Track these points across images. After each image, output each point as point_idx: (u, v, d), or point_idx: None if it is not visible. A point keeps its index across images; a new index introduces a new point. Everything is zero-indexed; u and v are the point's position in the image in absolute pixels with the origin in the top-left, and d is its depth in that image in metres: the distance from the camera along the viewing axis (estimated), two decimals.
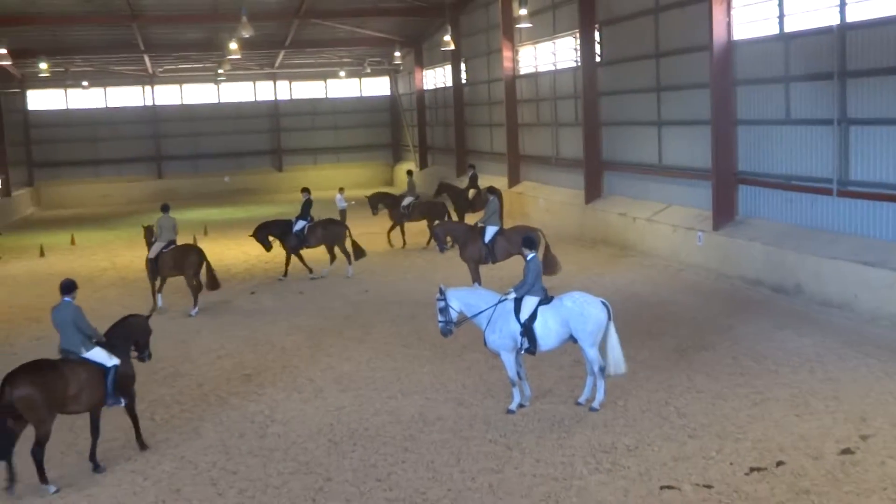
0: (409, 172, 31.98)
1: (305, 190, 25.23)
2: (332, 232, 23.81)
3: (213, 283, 20.70)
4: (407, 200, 28.67)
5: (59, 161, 49.74)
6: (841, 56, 18.05)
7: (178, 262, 20.29)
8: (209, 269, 20.65)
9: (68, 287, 12.09)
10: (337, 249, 23.89)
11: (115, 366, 11.65)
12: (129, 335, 12.28)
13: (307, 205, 24.23)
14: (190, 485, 10.85)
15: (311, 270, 23.89)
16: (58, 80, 48.11)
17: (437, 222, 24.96)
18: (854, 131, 18.05)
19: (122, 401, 11.80)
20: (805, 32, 19.11)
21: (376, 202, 29.63)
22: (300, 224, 23.78)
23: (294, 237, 23.69)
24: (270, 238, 24.06)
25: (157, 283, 20.81)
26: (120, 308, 20.95)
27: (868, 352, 14.69)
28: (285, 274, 23.94)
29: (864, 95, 17.73)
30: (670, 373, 14.13)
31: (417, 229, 28.91)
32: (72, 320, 11.61)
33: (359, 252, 24.00)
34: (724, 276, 20.90)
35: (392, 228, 28.68)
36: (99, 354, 11.64)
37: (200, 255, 20.48)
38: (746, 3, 20.89)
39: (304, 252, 24.03)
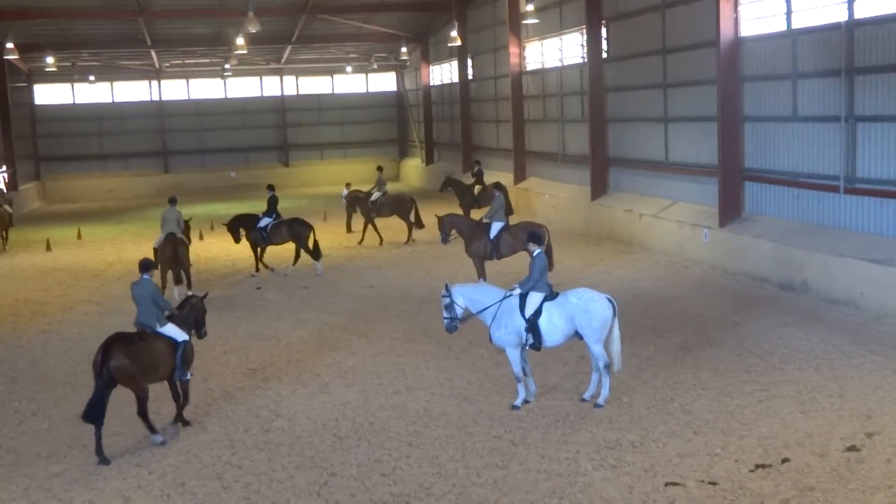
0: (379, 168, 31.83)
1: (270, 187, 25.38)
2: (295, 231, 23.76)
3: (180, 280, 21.32)
4: (375, 196, 28.77)
5: (66, 155, 49.85)
6: (849, 53, 18.03)
7: (164, 255, 20.81)
8: (185, 266, 21.28)
9: (147, 265, 12.88)
10: (297, 247, 23.93)
11: (185, 341, 12.53)
12: (192, 314, 13.05)
13: (272, 201, 24.33)
14: (195, 478, 10.87)
15: (257, 270, 24.11)
16: (64, 75, 48.34)
17: (443, 213, 24.84)
18: (861, 128, 18.04)
19: (189, 374, 12.66)
20: (813, 29, 19.10)
21: (353, 198, 29.78)
22: (265, 221, 23.91)
23: (257, 233, 23.87)
24: (242, 231, 24.37)
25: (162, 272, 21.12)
26: (127, 302, 21.04)
27: (874, 349, 14.70)
28: (257, 269, 24.16)
29: (871, 92, 17.71)
30: (675, 369, 14.13)
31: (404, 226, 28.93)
32: (150, 296, 12.43)
33: (316, 253, 23.83)
34: (730, 273, 20.90)
35: (366, 225, 28.70)
36: (172, 330, 12.51)
37: (176, 251, 20.80)
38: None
39: (272, 248, 24.33)
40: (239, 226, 24.44)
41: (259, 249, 24.14)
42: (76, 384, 14.76)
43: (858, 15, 17.76)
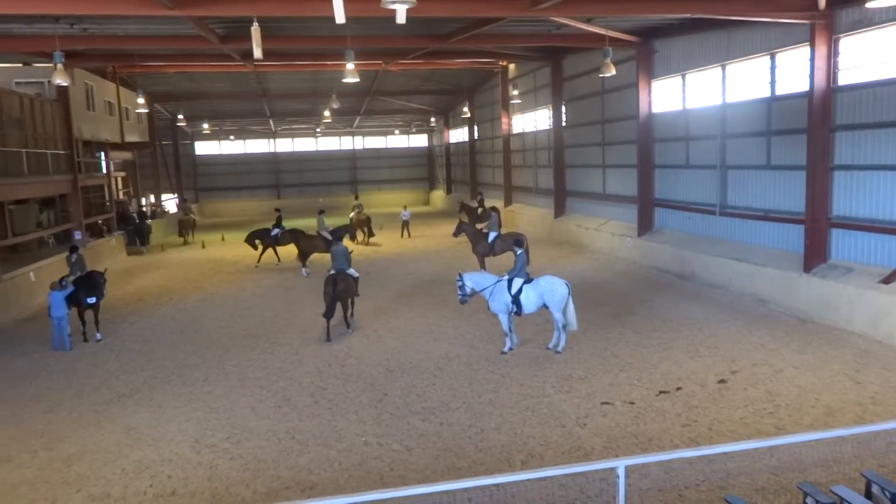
0: (356, 196, 32.50)
1: (278, 210, 25.85)
2: (294, 237, 23.40)
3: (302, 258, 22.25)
4: (351, 215, 30.04)
5: (215, 187, 50.00)
6: (723, 124, 17.93)
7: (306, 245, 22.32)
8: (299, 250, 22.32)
9: (339, 238, 15.14)
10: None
11: (358, 276, 14.91)
12: (350, 262, 15.00)
13: (279, 218, 24.51)
14: (296, 395, 10.95)
15: (272, 261, 24.04)
16: (214, 135, 48.71)
17: (461, 221, 23.97)
18: (730, 174, 17.93)
19: (359, 293, 15.24)
20: (699, 109, 18.99)
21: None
22: (275, 231, 23.98)
23: (271, 239, 23.93)
24: (257, 241, 24.15)
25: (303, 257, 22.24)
26: (252, 281, 21.17)
27: (737, 317, 14.64)
28: (278, 261, 24.14)
29: (736, 150, 17.60)
30: (608, 329, 14.12)
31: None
32: (343, 252, 14.63)
33: (304, 257, 23.51)
34: (645, 267, 20.81)
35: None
36: (353, 271, 14.77)
37: (299, 241, 21.97)
38: (661, 88, 20.76)
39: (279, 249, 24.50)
40: (255, 238, 24.02)
41: (273, 249, 24.02)
42: (221, 333, 14.89)
43: (729, 100, 17.68)
